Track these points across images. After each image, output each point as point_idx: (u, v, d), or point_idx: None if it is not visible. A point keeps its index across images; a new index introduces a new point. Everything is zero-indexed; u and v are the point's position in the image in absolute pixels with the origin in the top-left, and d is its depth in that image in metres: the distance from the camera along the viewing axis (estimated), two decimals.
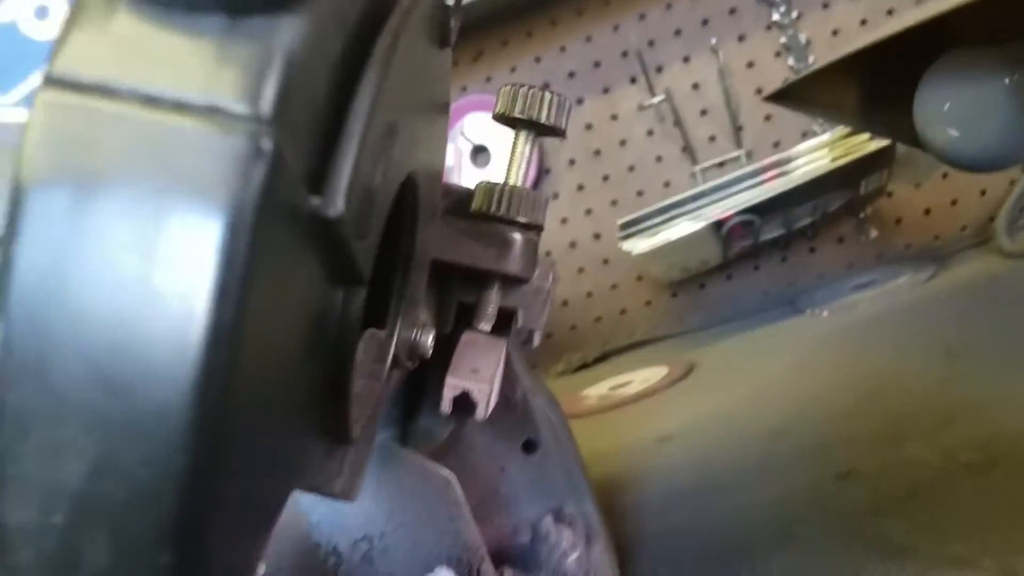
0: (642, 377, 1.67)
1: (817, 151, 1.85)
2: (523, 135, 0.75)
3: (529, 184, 0.95)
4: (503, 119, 0.78)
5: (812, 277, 2.17)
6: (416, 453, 0.90)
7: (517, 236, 0.80)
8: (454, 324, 0.78)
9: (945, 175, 2.06)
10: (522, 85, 0.66)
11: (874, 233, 2.19)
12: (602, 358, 1.97)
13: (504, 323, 0.93)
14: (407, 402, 0.92)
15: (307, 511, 0.76)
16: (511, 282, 0.80)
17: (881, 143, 1.70)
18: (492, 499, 0.93)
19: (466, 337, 0.91)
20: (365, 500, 0.84)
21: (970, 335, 1.45)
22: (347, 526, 0.75)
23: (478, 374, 0.90)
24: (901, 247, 2.09)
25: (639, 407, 1.59)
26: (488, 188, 0.67)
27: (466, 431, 0.89)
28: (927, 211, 2.15)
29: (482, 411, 0.89)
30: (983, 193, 2.06)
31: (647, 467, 1.26)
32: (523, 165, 0.79)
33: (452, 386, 0.85)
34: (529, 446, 1.00)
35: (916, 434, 1.15)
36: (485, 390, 0.87)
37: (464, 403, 0.86)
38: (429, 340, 0.61)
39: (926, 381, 1.35)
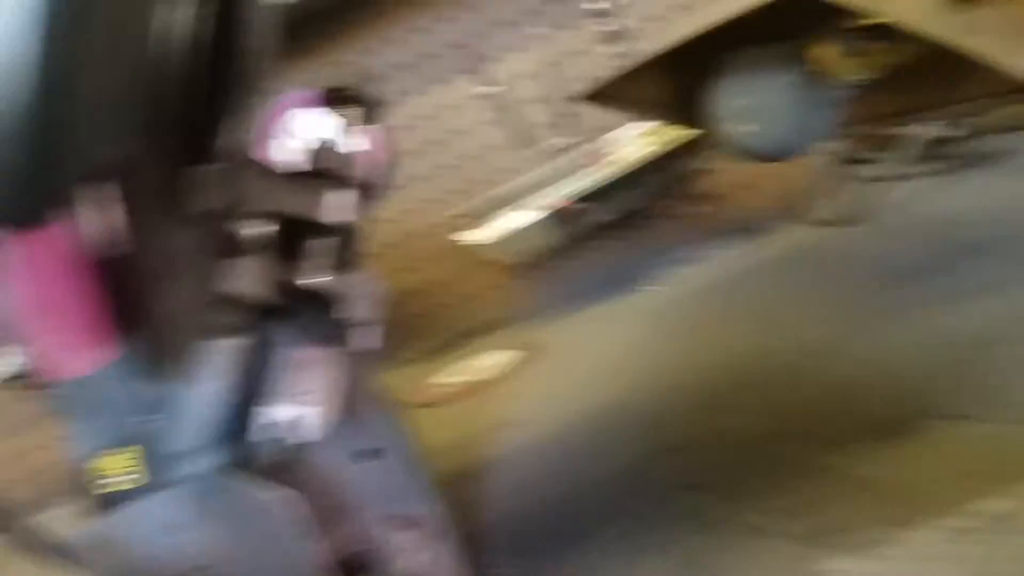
0: (489, 363, 1.72)
1: (645, 136, 1.93)
2: (342, 112, 0.84)
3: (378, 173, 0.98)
4: (324, 100, 0.85)
5: (647, 255, 2.27)
6: (253, 478, 0.90)
7: (330, 189, 0.89)
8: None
9: None
10: (343, 68, 0.72)
11: (701, 210, 2.32)
12: (449, 345, 2.01)
13: (339, 335, 0.94)
14: (241, 421, 0.92)
15: (144, 542, 0.75)
16: (327, 232, 0.87)
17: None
18: (336, 509, 0.94)
19: (298, 356, 0.91)
20: (202, 529, 0.83)
21: (787, 303, 1.57)
22: (186, 554, 0.74)
23: (311, 396, 0.91)
24: (726, 222, 2.21)
25: (485, 394, 1.63)
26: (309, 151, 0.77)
27: (304, 447, 0.90)
28: (748, 187, 2.29)
29: (317, 433, 0.90)
30: (795, 170, 2.21)
31: (494, 456, 1.30)
32: (341, 135, 0.87)
33: (284, 413, 0.86)
34: (369, 454, 1.02)
35: (735, 406, 1.25)
36: (318, 413, 0.88)
37: (298, 427, 0.87)
38: None
39: (746, 351, 1.46)
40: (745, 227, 2.10)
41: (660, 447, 1.17)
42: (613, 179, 1.92)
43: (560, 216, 1.96)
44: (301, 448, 0.86)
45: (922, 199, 1.88)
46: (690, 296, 1.89)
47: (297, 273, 0.88)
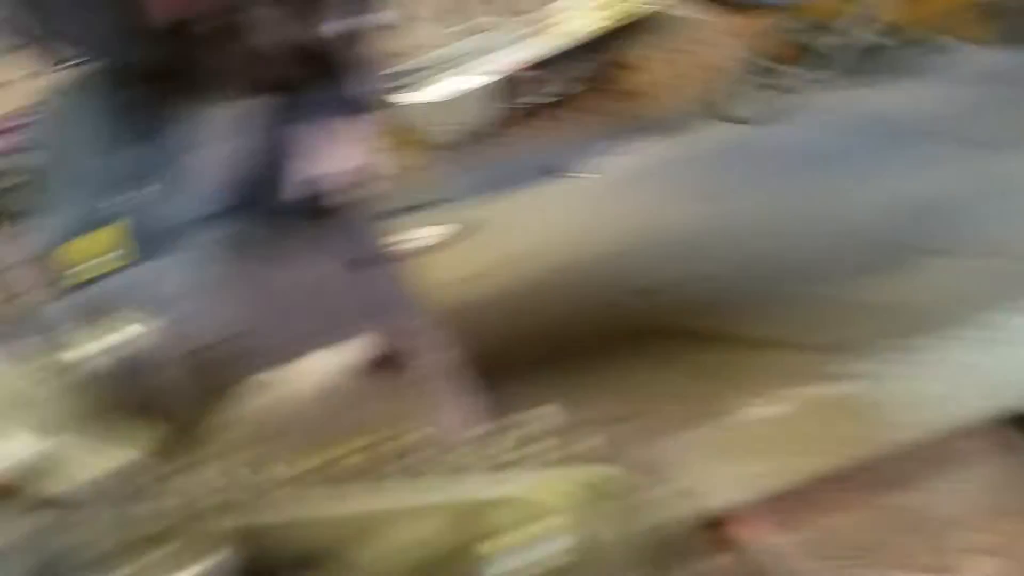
0: (424, 234, 1.65)
1: (590, 12, 1.89)
2: None
3: None
4: None
5: (572, 143, 2.26)
6: (273, 242, 0.81)
7: None
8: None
9: (681, 52, 2.22)
10: None
11: (620, 103, 2.33)
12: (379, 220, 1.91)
13: (360, 105, 0.85)
14: (261, 186, 0.82)
15: (177, 314, 0.66)
16: None
17: (651, 9, 1.78)
18: (329, 316, 0.87)
19: (321, 125, 0.82)
20: (231, 298, 0.74)
21: (719, 184, 1.60)
22: (218, 322, 0.66)
23: (336, 161, 0.81)
24: (641, 116, 2.23)
25: (428, 260, 1.57)
26: None
27: (300, 243, 0.82)
28: (664, 83, 2.32)
29: (340, 200, 0.82)
30: (710, 69, 2.26)
31: (458, 303, 1.25)
32: None
33: (304, 172, 0.77)
34: (358, 264, 0.94)
35: (702, 257, 1.25)
36: (345, 178, 0.80)
37: (321, 192, 0.79)
38: None
39: (696, 221, 1.47)
40: (667, 122, 2.11)
41: (633, 289, 1.15)
42: (554, 51, 1.87)
43: (491, 90, 1.90)
44: (324, 211, 0.77)
45: (842, 103, 1.95)
46: (618, 183, 1.88)
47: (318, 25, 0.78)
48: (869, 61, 2.01)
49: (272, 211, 0.81)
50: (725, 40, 2.25)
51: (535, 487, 0.38)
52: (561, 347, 1.07)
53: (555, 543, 0.38)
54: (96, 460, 0.47)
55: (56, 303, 0.72)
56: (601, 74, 2.11)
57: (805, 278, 1.01)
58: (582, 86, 2.06)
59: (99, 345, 0.55)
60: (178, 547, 0.42)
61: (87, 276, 0.87)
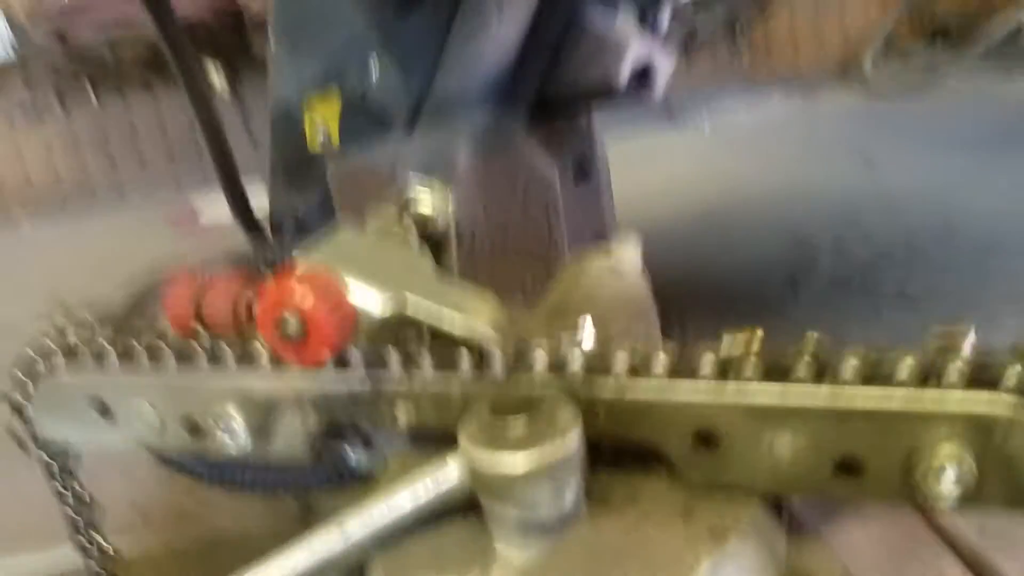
0: None
1: None
2: None
3: None
4: None
5: (684, 88, 2.23)
6: (525, 143, 0.80)
7: None
8: None
9: (825, 12, 2.19)
10: None
11: (746, 58, 2.29)
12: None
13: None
14: (524, 79, 0.81)
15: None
16: None
17: None
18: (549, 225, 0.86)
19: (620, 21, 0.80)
20: (462, 183, 0.73)
21: (880, 147, 1.58)
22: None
23: (657, 47, 0.80)
24: (766, 74, 2.20)
25: None
26: None
27: (525, 148, 0.81)
28: (794, 43, 2.29)
29: (660, 90, 0.81)
30: (845, 36, 2.22)
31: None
32: None
33: (637, 56, 0.76)
34: (581, 172, 0.93)
35: (835, 224, 1.24)
36: (668, 67, 0.79)
37: (645, 76, 0.77)
38: None
39: (839, 183, 1.46)
40: (802, 82, 2.07)
41: (791, 240, 1.15)
42: None
43: None
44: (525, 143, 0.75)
45: (979, 86, 1.90)
46: (753, 135, 1.85)
47: None
48: (1012, 47, 1.96)
49: (526, 105, 0.80)
50: (871, 7, 2.20)
51: (961, 400, 0.38)
52: (718, 289, 1.07)
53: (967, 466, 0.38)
54: (451, 322, 0.47)
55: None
56: (740, 24, 2.07)
57: (974, 251, 1.00)
58: (719, 34, 2.01)
59: (426, 209, 0.54)
60: (538, 417, 0.42)
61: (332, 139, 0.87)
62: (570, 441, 0.42)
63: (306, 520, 0.81)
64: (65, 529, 0.63)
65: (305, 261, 0.46)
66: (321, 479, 0.62)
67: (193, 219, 2.03)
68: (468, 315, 0.46)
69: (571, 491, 0.43)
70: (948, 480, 0.38)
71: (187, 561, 0.81)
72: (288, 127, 0.88)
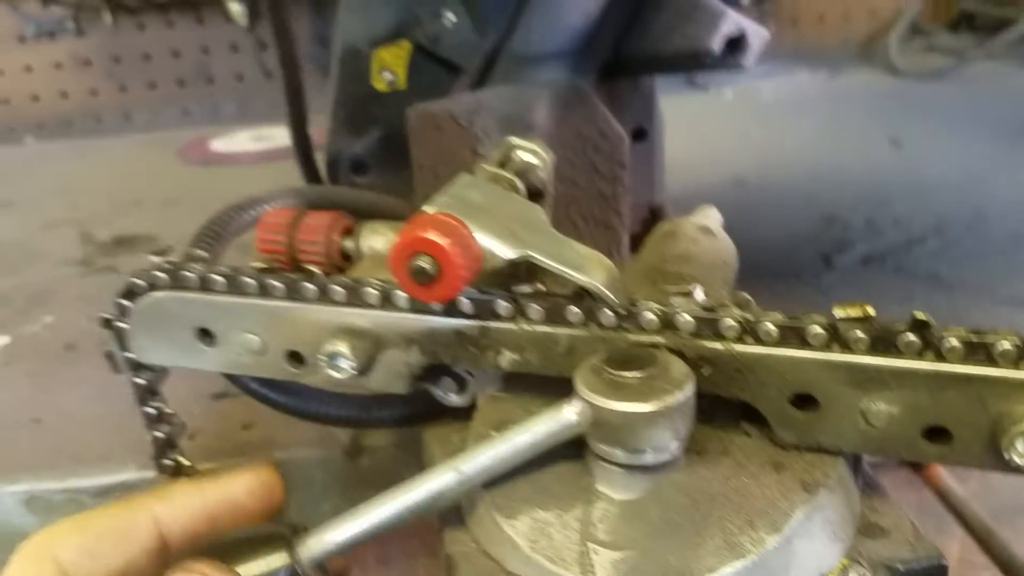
0: None
1: None
2: None
3: None
4: None
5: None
6: (597, 102, 0.82)
7: None
8: None
9: None
10: None
11: (771, 28, 2.29)
12: None
13: None
14: (601, 40, 0.82)
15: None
16: None
17: None
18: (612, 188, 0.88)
19: None
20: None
21: (907, 129, 1.60)
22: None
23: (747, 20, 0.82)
24: (790, 48, 2.22)
25: None
26: None
27: (598, 108, 0.82)
28: (821, 18, 2.30)
29: (752, 57, 0.83)
30: (872, 14, 2.24)
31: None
32: None
33: (733, 22, 0.78)
34: (640, 134, 0.96)
35: (865, 203, 1.27)
36: (763, 34, 0.80)
37: (737, 44, 0.79)
38: None
39: (879, 158, 1.49)
40: (817, 57, 2.09)
41: (821, 216, 1.18)
42: None
43: None
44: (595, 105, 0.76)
45: (1001, 76, 1.93)
46: (777, 107, 1.87)
47: None
48: None
49: (598, 65, 0.82)
50: None
51: None
52: (752, 260, 1.10)
53: None
54: (569, 273, 0.50)
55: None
56: None
57: (1005, 241, 1.04)
58: (747, 3, 2.02)
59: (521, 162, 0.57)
60: (653, 369, 0.45)
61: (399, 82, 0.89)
62: (686, 392, 0.45)
63: (356, 455, 0.84)
64: (152, 449, 0.65)
65: (433, 207, 0.48)
66: (409, 415, 0.65)
67: (202, 148, 2.03)
68: (584, 268, 0.48)
69: (679, 439, 0.46)
70: None
71: None
72: (353, 67, 0.89)
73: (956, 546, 1.04)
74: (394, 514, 0.48)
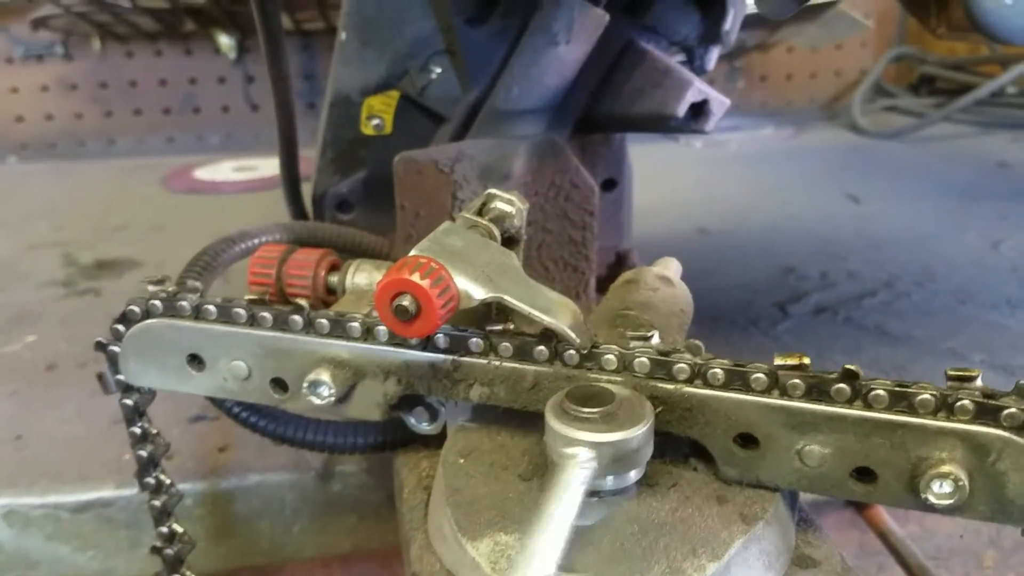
0: None
1: None
2: None
3: None
4: None
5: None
6: (570, 155, 0.87)
7: None
8: None
9: (814, 48, 2.30)
10: None
11: (741, 83, 2.40)
12: None
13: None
14: (576, 97, 0.88)
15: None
16: None
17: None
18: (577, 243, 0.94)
19: (659, 56, 0.88)
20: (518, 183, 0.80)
21: (865, 186, 1.68)
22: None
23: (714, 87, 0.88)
24: (758, 103, 2.31)
25: None
26: None
27: (571, 160, 0.88)
28: (788, 76, 2.40)
29: (712, 125, 0.88)
30: (837, 74, 2.34)
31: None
32: None
33: (697, 91, 0.83)
34: (610, 184, 1.01)
35: (821, 255, 1.34)
36: (724, 104, 0.86)
37: (700, 110, 0.85)
38: None
39: (837, 213, 1.56)
40: (782, 114, 2.18)
41: (779, 266, 1.24)
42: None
43: None
44: (564, 154, 0.82)
45: (959, 140, 2.02)
46: (742, 159, 1.95)
47: None
48: (992, 105, 2.09)
49: (573, 120, 0.88)
50: (864, 51, 2.31)
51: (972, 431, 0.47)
52: (710, 305, 1.16)
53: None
54: (538, 315, 0.54)
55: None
56: (738, 52, 2.16)
57: (949, 297, 1.11)
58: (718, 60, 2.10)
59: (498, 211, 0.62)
60: (613, 407, 0.50)
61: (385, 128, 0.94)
62: (646, 428, 0.49)
63: (327, 480, 0.88)
64: (135, 467, 0.68)
65: (416, 251, 0.53)
66: (382, 442, 0.69)
67: (187, 176, 2.06)
68: (551, 311, 0.53)
69: (636, 471, 0.50)
70: (946, 488, 0.47)
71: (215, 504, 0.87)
72: (343, 112, 0.94)
73: None
74: None
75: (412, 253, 0.54)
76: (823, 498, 0.97)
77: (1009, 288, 1.17)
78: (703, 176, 1.75)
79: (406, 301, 0.51)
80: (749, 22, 1.96)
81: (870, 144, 1.97)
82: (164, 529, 0.71)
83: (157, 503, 0.69)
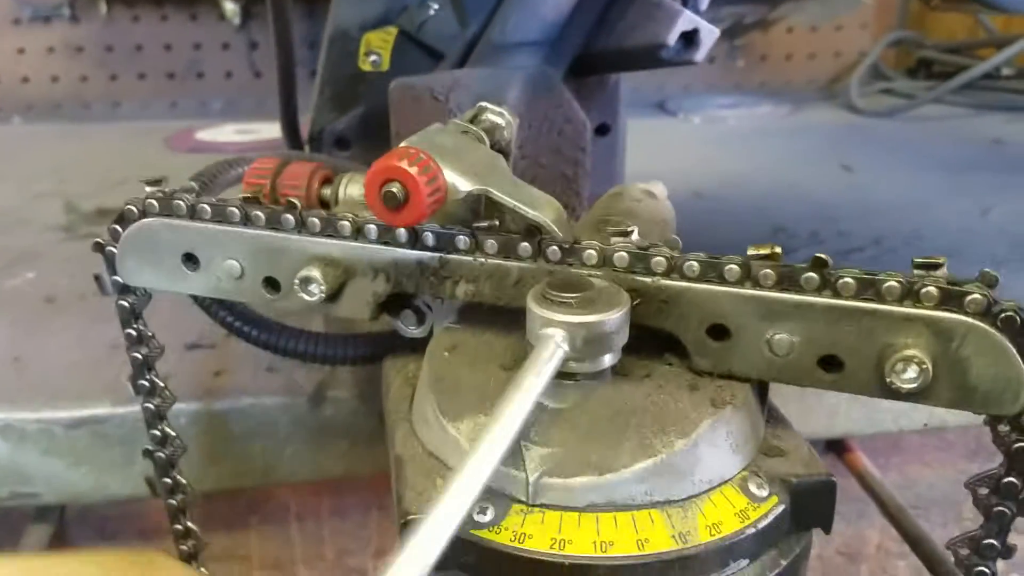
0: None
1: None
2: None
3: None
4: None
5: (677, 87, 2.36)
6: (564, 92, 0.89)
7: None
8: None
9: (813, 29, 2.32)
10: None
11: (741, 63, 2.42)
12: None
13: None
14: (571, 34, 0.89)
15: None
16: None
17: None
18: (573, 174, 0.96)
19: None
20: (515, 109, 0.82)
21: (859, 158, 1.70)
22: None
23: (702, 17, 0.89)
24: (757, 82, 2.33)
25: None
26: None
27: (565, 96, 0.90)
28: (788, 56, 2.42)
29: (703, 54, 0.90)
30: (837, 55, 2.36)
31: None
32: None
33: (688, 19, 0.85)
34: (603, 129, 1.03)
35: (813, 218, 1.36)
36: (714, 33, 0.88)
37: (691, 40, 0.86)
38: None
39: (819, 183, 1.58)
40: (781, 93, 2.20)
41: (770, 227, 1.26)
42: None
43: None
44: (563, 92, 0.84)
45: (954, 120, 2.04)
46: (739, 134, 1.96)
47: None
48: (987, 86, 2.11)
49: (568, 58, 0.89)
50: (863, 33, 2.33)
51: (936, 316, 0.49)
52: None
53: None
54: (523, 210, 0.56)
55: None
56: (740, 31, 2.18)
57: (942, 253, 1.12)
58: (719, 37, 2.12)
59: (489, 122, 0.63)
60: (591, 294, 0.52)
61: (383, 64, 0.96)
62: (624, 308, 0.51)
63: (319, 403, 0.90)
64: (131, 371, 0.70)
65: (406, 144, 0.55)
66: (372, 347, 0.70)
67: (188, 137, 2.08)
68: (536, 206, 0.55)
69: (611, 355, 0.52)
70: (911, 373, 0.49)
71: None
72: (342, 48, 0.95)
73: (876, 535, 1.11)
74: None
75: (402, 144, 0.56)
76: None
77: (996, 247, 1.19)
78: (701, 148, 1.76)
79: (395, 188, 0.53)
80: None
81: (866, 122, 1.98)
82: (156, 432, 0.72)
83: (151, 406, 0.71)
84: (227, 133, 2.13)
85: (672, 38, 0.79)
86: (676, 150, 1.77)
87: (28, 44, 2.42)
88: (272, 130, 2.01)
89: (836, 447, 1.04)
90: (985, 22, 2.15)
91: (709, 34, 0.81)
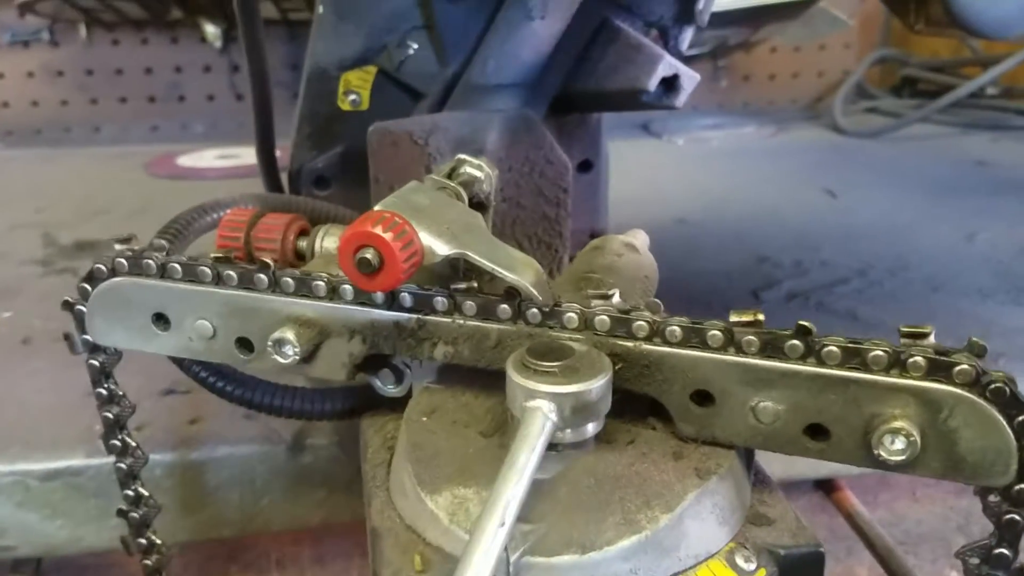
0: None
1: None
2: None
3: None
4: None
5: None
6: (545, 132, 0.88)
7: None
8: None
9: (797, 49, 2.33)
10: None
11: (724, 83, 2.42)
12: None
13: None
14: (552, 74, 0.88)
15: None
16: None
17: None
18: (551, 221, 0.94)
19: (634, 35, 0.88)
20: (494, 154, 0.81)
21: (843, 182, 1.69)
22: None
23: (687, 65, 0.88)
24: (740, 102, 2.33)
25: None
26: None
27: (546, 137, 0.88)
28: (772, 76, 2.42)
29: (683, 99, 0.89)
30: (820, 74, 2.36)
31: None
32: None
33: (668, 65, 0.84)
34: (586, 165, 1.02)
35: (795, 246, 1.35)
36: (695, 79, 0.87)
37: (671, 85, 0.85)
38: None
39: (813, 207, 1.57)
40: (764, 113, 2.20)
41: (754, 256, 1.25)
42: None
43: None
44: (541, 135, 0.83)
45: (938, 140, 2.04)
46: (722, 155, 1.96)
47: None
48: (971, 106, 2.12)
49: (549, 98, 0.88)
50: (847, 53, 2.33)
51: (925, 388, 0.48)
52: (687, 291, 1.16)
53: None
54: (501, 273, 0.55)
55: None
56: (723, 53, 2.18)
57: (922, 286, 1.12)
58: (702, 58, 2.12)
59: (468, 175, 0.62)
60: (573, 361, 0.50)
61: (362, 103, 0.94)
62: (605, 380, 0.50)
63: (298, 452, 0.88)
64: (102, 430, 0.68)
65: (381, 206, 0.53)
66: (349, 406, 0.69)
67: (169, 163, 2.06)
68: (514, 269, 0.54)
69: (594, 425, 0.51)
70: (899, 444, 0.47)
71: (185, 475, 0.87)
72: (320, 86, 0.94)
73: (865, 572, 1.10)
74: None
75: (376, 208, 0.54)
76: (791, 479, 0.98)
77: (982, 278, 1.18)
78: (685, 170, 1.76)
79: (369, 254, 0.51)
80: (732, 19, 1.98)
81: (850, 143, 1.99)
82: (130, 492, 0.71)
83: (123, 465, 0.69)
84: (208, 159, 2.11)
85: (652, 84, 0.78)
86: (660, 173, 1.77)
87: (7, 69, 2.39)
88: (254, 155, 1.98)
89: (825, 486, 1.03)
90: (969, 41, 2.16)
91: (690, 80, 0.80)
